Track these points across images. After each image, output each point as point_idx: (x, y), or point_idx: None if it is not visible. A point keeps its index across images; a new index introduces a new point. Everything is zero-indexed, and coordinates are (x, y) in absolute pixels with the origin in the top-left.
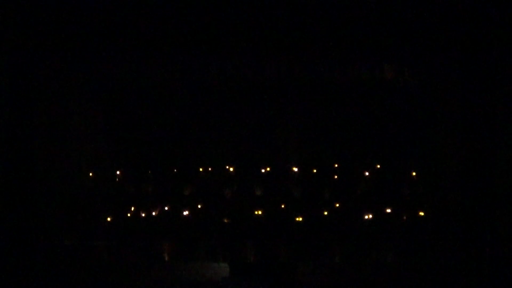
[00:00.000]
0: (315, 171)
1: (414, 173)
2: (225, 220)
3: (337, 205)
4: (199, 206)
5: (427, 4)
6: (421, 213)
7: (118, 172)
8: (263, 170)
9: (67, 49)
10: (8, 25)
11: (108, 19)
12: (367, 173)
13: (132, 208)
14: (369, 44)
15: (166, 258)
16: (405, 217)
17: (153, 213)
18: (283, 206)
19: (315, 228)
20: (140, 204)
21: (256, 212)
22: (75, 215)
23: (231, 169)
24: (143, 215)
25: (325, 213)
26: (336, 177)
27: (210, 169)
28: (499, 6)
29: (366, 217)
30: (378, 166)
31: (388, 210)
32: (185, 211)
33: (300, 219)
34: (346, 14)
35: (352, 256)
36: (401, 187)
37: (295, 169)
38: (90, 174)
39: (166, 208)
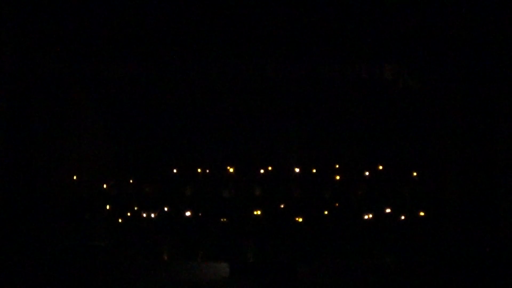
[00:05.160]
0: (315, 171)
1: (414, 173)
2: (225, 220)
3: (337, 205)
4: (199, 207)
5: (427, 5)
6: (421, 213)
7: (118, 172)
8: (263, 170)
9: (67, 49)
10: (8, 25)
11: (108, 19)
12: (367, 173)
13: (132, 209)
14: (369, 44)
15: (166, 258)
16: (405, 218)
17: (153, 214)
18: (283, 206)
19: (315, 228)
20: (140, 205)
21: (255, 212)
22: (75, 215)
23: (231, 169)
24: (143, 215)
25: (325, 213)
26: (336, 177)
27: (210, 169)
28: (499, 6)
29: (366, 217)
30: (379, 167)
31: (388, 210)
32: (185, 211)
33: (300, 219)
34: (346, 14)
35: (352, 256)
36: (401, 187)
37: (295, 169)
38: (90, 174)
39: (166, 209)
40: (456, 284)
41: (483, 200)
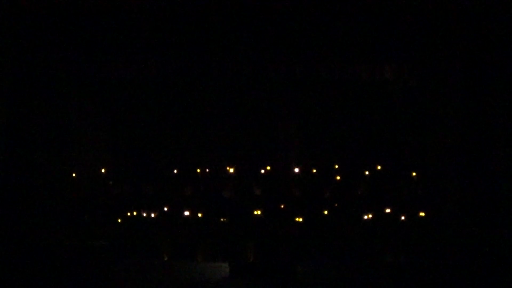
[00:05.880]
0: (315, 171)
1: (414, 173)
2: (225, 220)
3: (337, 205)
4: (199, 207)
5: (426, 5)
6: (421, 213)
7: (118, 172)
8: (263, 170)
9: (68, 49)
10: (8, 25)
11: (108, 19)
12: (367, 173)
13: (132, 209)
14: (369, 44)
15: (166, 258)
16: (405, 218)
17: (153, 214)
18: (283, 206)
19: (315, 228)
20: (140, 205)
21: (256, 212)
22: (75, 215)
23: (231, 169)
24: (143, 215)
25: (325, 213)
26: (336, 177)
27: (210, 169)
28: (499, 6)
29: (366, 217)
30: (378, 167)
31: (388, 210)
32: (185, 211)
33: (300, 219)
34: (346, 14)
35: (352, 256)
36: (401, 188)
37: (295, 169)
38: (90, 174)
39: (166, 209)
40: (456, 284)
41: (483, 200)
